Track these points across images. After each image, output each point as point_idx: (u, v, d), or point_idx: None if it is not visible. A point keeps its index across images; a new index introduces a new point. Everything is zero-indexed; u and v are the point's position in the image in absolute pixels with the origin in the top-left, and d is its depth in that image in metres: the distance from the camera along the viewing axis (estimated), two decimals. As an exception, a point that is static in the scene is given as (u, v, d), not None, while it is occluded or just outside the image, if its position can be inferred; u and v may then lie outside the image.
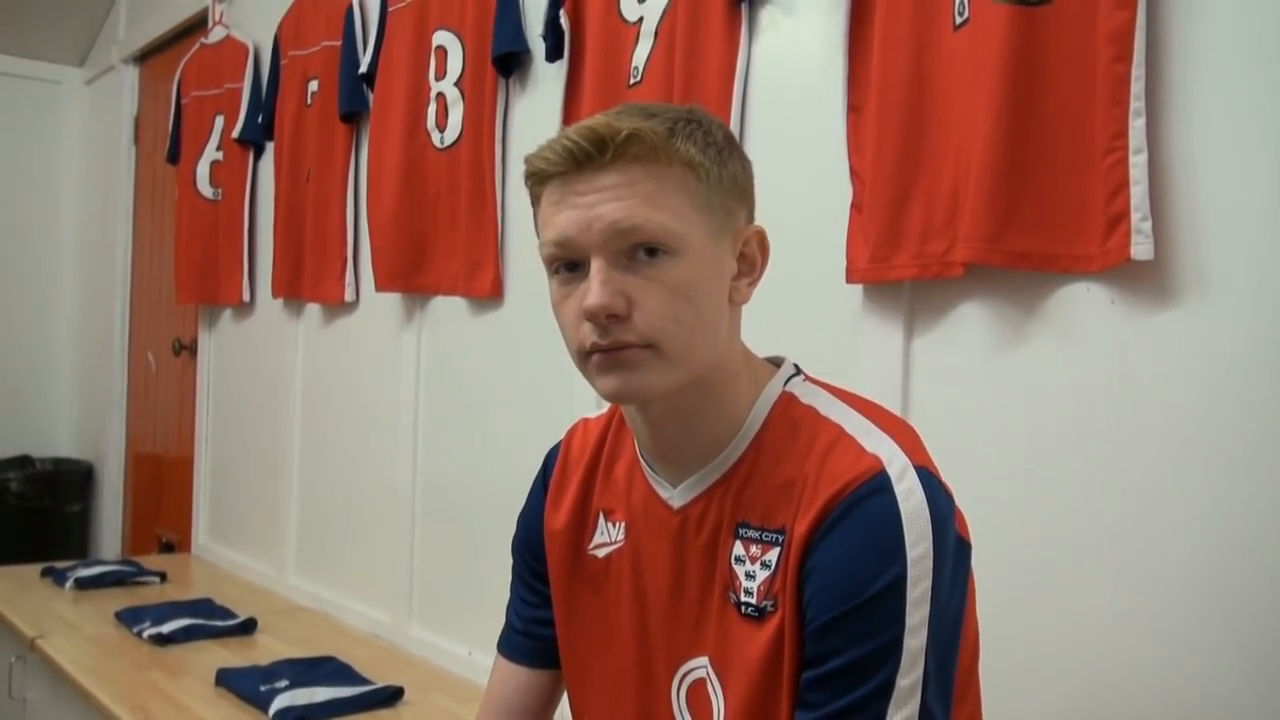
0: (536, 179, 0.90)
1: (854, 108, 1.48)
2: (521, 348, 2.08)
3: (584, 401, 1.77)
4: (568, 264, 0.89)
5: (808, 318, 1.53)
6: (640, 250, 0.86)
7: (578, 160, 0.86)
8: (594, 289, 0.85)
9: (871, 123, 1.43)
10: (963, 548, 0.90)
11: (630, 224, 0.85)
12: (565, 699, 1.12)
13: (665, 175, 0.87)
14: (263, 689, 1.90)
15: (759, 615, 0.91)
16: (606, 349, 0.86)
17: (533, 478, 1.15)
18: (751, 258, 0.95)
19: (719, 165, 0.90)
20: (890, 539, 0.84)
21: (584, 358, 0.89)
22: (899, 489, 0.85)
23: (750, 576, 0.91)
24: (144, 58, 3.91)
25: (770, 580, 0.90)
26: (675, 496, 0.97)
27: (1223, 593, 1.12)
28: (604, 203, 0.86)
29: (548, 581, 1.09)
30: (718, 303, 0.91)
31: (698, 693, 0.96)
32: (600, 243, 0.86)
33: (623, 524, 1.02)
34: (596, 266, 0.86)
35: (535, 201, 0.92)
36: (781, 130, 1.60)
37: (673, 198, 0.87)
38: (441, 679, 2.12)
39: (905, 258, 1.38)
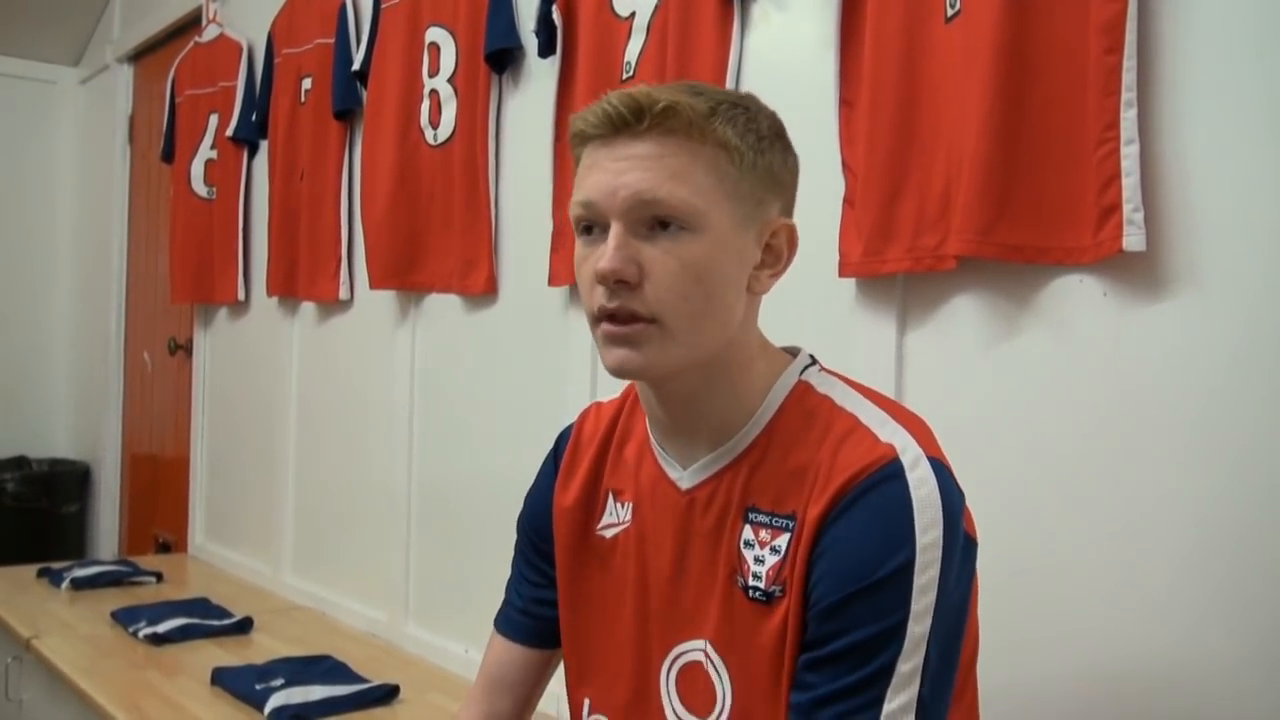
0: (578, 140, 0.92)
1: (846, 102, 1.47)
2: (516, 345, 2.08)
3: (578, 397, 1.77)
4: (591, 226, 0.90)
5: (801, 311, 1.52)
6: (659, 223, 0.87)
7: (615, 125, 0.88)
8: (608, 253, 0.87)
9: (864, 117, 1.43)
10: (970, 545, 0.90)
11: (652, 195, 0.87)
12: (559, 678, 1.12)
13: (698, 153, 0.88)
14: (258, 688, 1.90)
15: (767, 600, 0.91)
16: (613, 316, 0.88)
17: (528, 473, 1.15)
18: (778, 250, 0.95)
19: (756, 153, 0.90)
20: (900, 524, 0.84)
21: (595, 322, 0.90)
22: (911, 476, 0.86)
23: (759, 561, 0.91)
24: (138, 57, 3.90)
25: (780, 565, 0.90)
26: (684, 478, 0.98)
27: (1218, 584, 1.11)
28: (631, 171, 0.87)
29: (551, 561, 1.09)
30: (734, 288, 0.91)
31: (692, 675, 0.96)
32: (621, 210, 0.87)
33: (630, 504, 1.03)
34: (614, 232, 0.87)
35: (576, 162, 0.94)
36: (774, 124, 1.59)
37: (701, 176, 0.88)
38: (437, 677, 2.11)
39: (898, 251, 1.38)
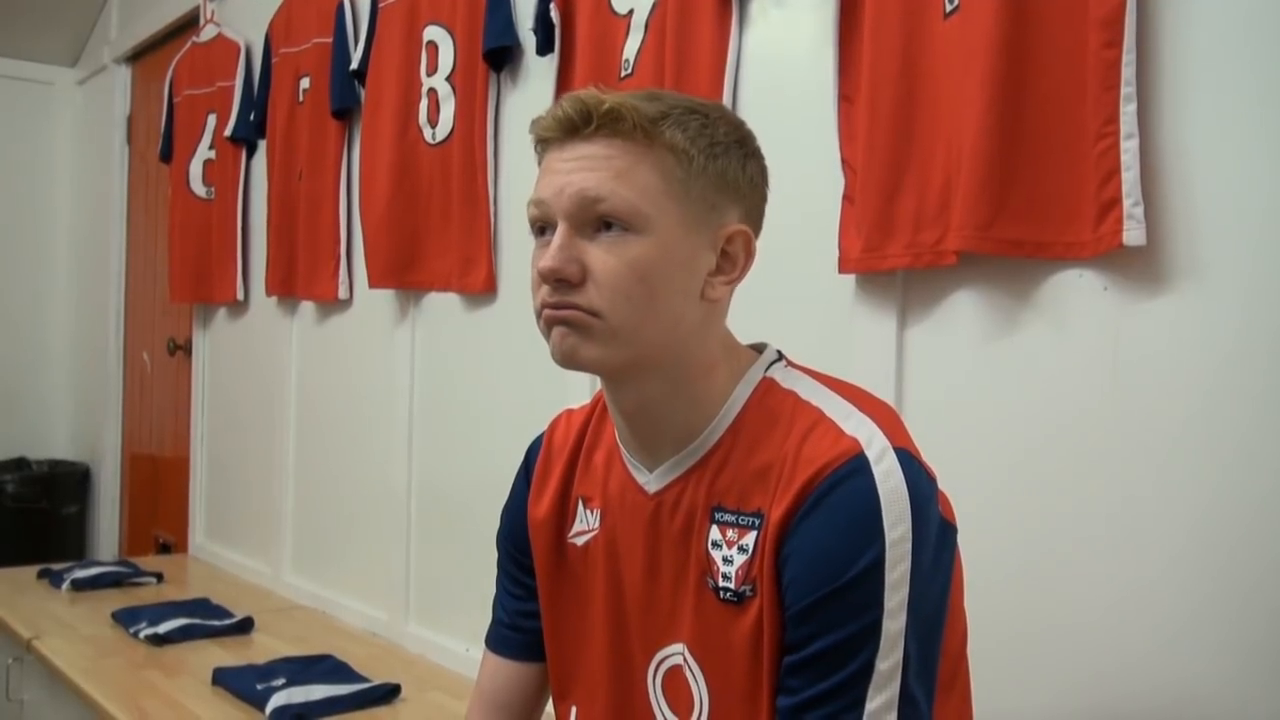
0: (539, 144, 0.94)
1: (845, 98, 1.47)
2: (516, 343, 2.07)
3: (578, 395, 1.76)
4: (545, 227, 0.92)
5: (801, 308, 1.53)
6: (603, 223, 0.88)
7: (566, 129, 0.90)
8: (550, 252, 0.89)
9: (863, 113, 1.43)
10: (946, 529, 0.89)
11: (596, 194, 0.88)
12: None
13: (645, 155, 0.88)
14: (259, 687, 1.90)
15: (739, 600, 0.90)
16: (555, 307, 0.89)
17: (528, 473, 1.15)
18: (734, 256, 0.94)
19: (708, 157, 0.90)
20: (868, 521, 0.84)
21: (538, 316, 0.92)
22: (877, 470, 0.85)
23: (728, 561, 0.91)
24: (136, 57, 3.90)
25: (748, 564, 0.90)
26: (651, 481, 0.97)
27: (1217, 581, 1.11)
28: (578, 171, 0.89)
29: (533, 573, 1.09)
30: (680, 291, 0.91)
31: (674, 679, 0.96)
32: (567, 209, 0.89)
33: (598, 511, 1.03)
34: (559, 231, 0.89)
35: (539, 165, 0.95)
36: (773, 121, 1.58)
37: (646, 177, 0.88)
38: (439, 676, 2.11)
39: (898, 247, 1.37)
